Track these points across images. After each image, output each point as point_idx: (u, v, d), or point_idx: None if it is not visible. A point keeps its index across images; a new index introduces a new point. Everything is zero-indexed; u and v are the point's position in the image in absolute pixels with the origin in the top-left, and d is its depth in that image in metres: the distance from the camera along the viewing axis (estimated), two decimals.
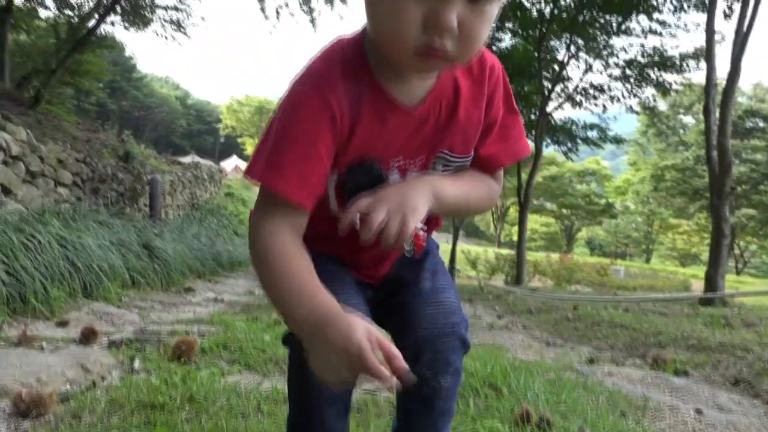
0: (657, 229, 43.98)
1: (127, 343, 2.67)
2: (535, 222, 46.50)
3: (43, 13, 17.23)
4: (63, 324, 3.25)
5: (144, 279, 5.08)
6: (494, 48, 12.60)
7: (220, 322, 3.29)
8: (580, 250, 50.03)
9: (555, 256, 26.51)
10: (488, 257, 21.69)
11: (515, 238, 49.34)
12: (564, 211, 42.67)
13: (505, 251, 31.67)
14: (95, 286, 4.05)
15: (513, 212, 42.97)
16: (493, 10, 0.75)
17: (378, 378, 0.68)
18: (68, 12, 15.91)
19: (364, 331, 0.71)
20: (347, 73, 0.84)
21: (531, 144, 14.92)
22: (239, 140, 50.01)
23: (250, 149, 51.43)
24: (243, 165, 48.55)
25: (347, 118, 0.84)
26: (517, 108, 0.97)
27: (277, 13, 15.21)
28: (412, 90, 0.86)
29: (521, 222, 12.44)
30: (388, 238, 0.81)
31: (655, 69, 11.48)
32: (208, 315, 4.10)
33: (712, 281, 6.98)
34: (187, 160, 30.94)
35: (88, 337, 2.89)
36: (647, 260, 44.35)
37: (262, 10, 17.74)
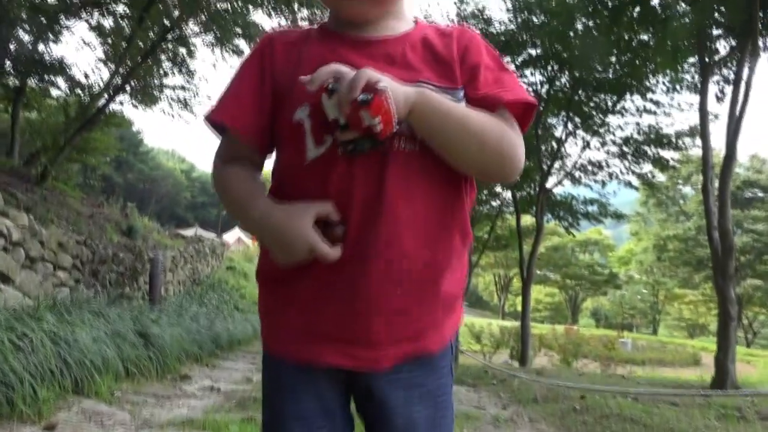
0: (663, 300, 43.49)
1: None
2: (539, 292, 46.13)
3: (54, 92, 17.76)
4: (50, 428, 3.13)
5: (138, 369, 4.95)
6: None
7: (213, 427, 3.16)
8: (586, 321, 49.36)
9: (560, 329, 26.10)
10: (492, 330, 21.32)
11: (519, 308, 48.85)
12: (568, 281, 42.40)
13: (509, 323, 31.22)
14: (87, 381, 3.93)
15: (516, 283, 42.69)
16: None
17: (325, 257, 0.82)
18: (79, 92, 16.38)
19: (308, 220, 0.82)
20: (299, 32, 0.99)
21: (530, 218, 15.05)
22: None
23: None
24: (245, 237, 48.79)
25: (287, 50, 0.95)
26: (511, 70, 0.96)
27: None
28: (372, 32, 0.94)
29: (524, 296, 12.31)
30: (342, 89, 0.77)
31: (652, 146, 11.69)
32: (202, 413, 3.96)
33: (721, 366, 6.80)
34: (190, 232, 31.10)
35: None
36: (654, 331, 43.64)
37: None
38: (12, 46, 14.19)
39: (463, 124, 0.83)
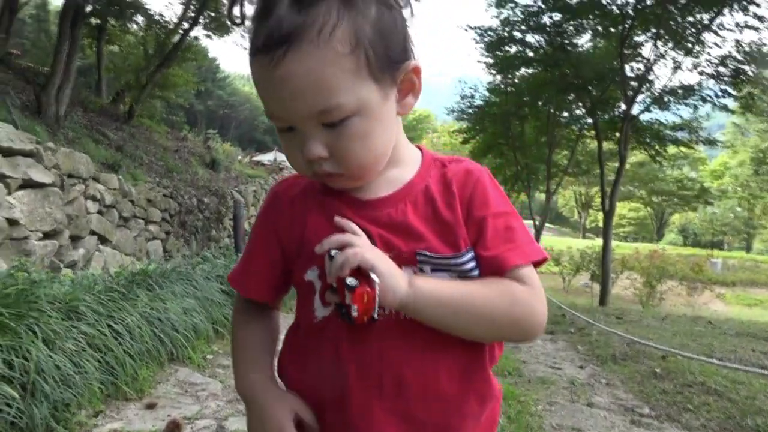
0: (759, 215, 40.93)
1: None
2: (623, 207, 44.47)
3: (133, 28, 18.15)
4: (151, 406, 3.43)
5: (225, 328, 5.27)
6: (571, 50, 12.04)
7: None
8: (672, 237, 47.45)
9: (644, 249, 25.30)
10: (572, 253, 21.03)
11: (600, 224, 47.46)
12: (654, 198, 40.52)
13: (589, 242, 30.59)
14: (181, 350, 4.25)
15: (598, 199, 41.35)
16: (356, 124, 0.74)
17: None
18: (156, 28, 16.64)
19: (282, 417, 0.83)
20: (302, 185, 0.91)
21: (612, 144, 14.19)
22: None
23: None
24: None
25: (292, 210, 0.89)
26: (515, 212, 0.85)
27: None
28: (372, 191, 0.85)
29: (605, 232, 11.88)
30: (333, 264, 0.73)
31: (753, 66, 10.53)
32: None
33: None
34: (269, 156, 31.91)
35: (173, 431, 3.05)
36: (748, 249, 41.45)
37: None
38: None
39: (466, 308, 0.77)
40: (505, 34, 13.23)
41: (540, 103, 15.25)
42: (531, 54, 13.19)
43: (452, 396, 0.82)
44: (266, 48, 0.71)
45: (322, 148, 0.75)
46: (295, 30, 0.69)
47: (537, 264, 0.84)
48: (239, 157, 21.63)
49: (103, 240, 5.92)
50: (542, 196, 20.90)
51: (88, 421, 3.00)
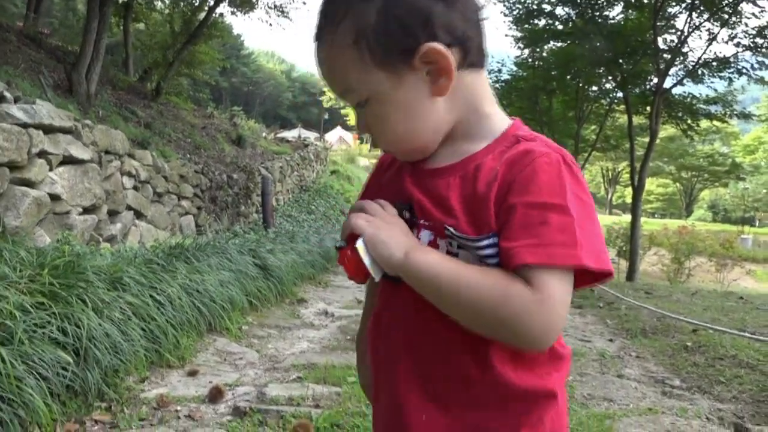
0: None
1: (249, 412, 2.89)
2: (651, 183, 43.73)
3: (158, 4, 18.24)
4: (193, 374, 3.57)
5: (259, 300, 5.40)
6: (602, 23, 11.77)
7: (333, 379, 3.46)
8: (702, 213, 46.57)
9: (672, 225, 24.91)
10: None
11: (627, 200, 46.60)
12: (684, 173, 39.72)
13: (616, 218, 30.24)
14: (218, 320, 4.38)
15: (625, 174, 40.72)
16: (373, 108, 0.81)
17: None
18: (182, 4, 16.69)
19: None
20: None
21: (643, 119, 13.88)
22: (342, 111, 50.95)
23: (353, 120, 52.18)
24: (346, 136, 49.52)
25: (383, 172, 0.96)
26: (570, 208, 0.71)
27: None
28: (436, 161, 0.86)
29: (634, 209, 11.71)
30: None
31: None
32: (320, 349, 4.33)
33: None
34: (293, 133, 32.02)
35: (215, 397, 3.17)
36: None
37: None
38: None
39: (451, 290, 0.74)
40: (534, 6, 13.00)
41: (568, 77, 14.99)
42: (560, 27, 12.95)
43: (459, 376, 0.80)
44: (314, 37, 0.84)
45: (363, 125, 0.85)
46: (322, 23, 0.81)
47: (597, 277, 0.75)
48: (264, 134, 21.78)
49: (138, 215, 6.07)
50: None
51: (135, 386, 3.13)
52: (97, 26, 10.51)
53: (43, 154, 4.49)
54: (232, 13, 17.71)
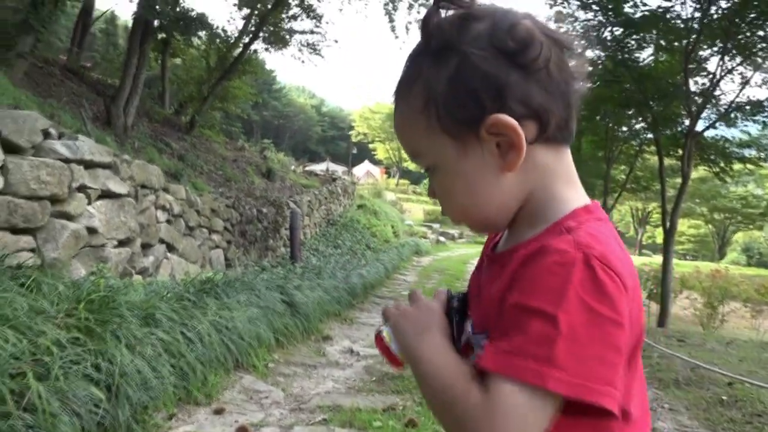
0: None
1: None
2: (682, 225, 42.96)
3: (195, 42, 18.84)
4: (219, 412, 3.57)
5: (286, 337, 5.41)
6: (633, 65, 11.77)
7: (358, 422, 3.42)
8: (735, 256, 45.42)
9: (705, 267, 24.33)
10: None
11: (657, 240, 45.65)
12: (716, 215, 38.93)
13: (646, 259, 29.64)
14: (245, 357, 4.39)
15: (655, 215, 40.08)
16: (439, 176, 0.78)
17: None
18: (218, 41, 17.22)
19: None
20: None
21: (674, 161, 13.80)
22: (371, 146, 51.51)
23: (381, 154, 52.90)
24: (374, 170, 49.93)
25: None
26: (559, 320, 0.62)
27: (407, 29, 15.43)
28: (505, 244, 0.83)
29: (666, 253, 11.50)
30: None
31: None
32: (345, 390, 4.30)
33: None
34: (322, 167, 32.40)
35: None
36: None
37: (392, 29, 17.98)
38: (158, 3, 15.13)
39: (422, 383, 0.73)
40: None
41: (598, 117, 14.96)
42: (590, 69, 12.98)
43: None
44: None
45: (431, 191, 0.82)
46: (399, 84, 0.79)
47: (593, 405, 0.62)
48: (293, 167, 22.11)
49: (170, 248, 6.18)
50: None
51: (163, 424, 3.15)
52: (136, 62, 10.91)
53: (82, 188, 4.63)
54: (266, 49, 18.22)
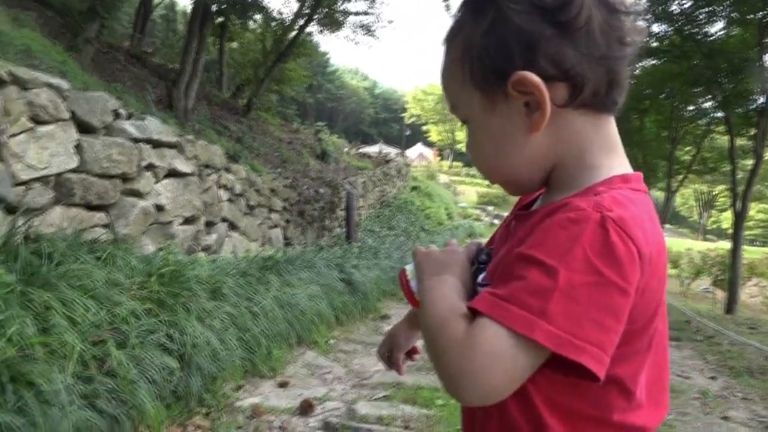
0: None
1: (340, 429, 2.90)
2: (752, 208, 40.89)
3: (251, 25, 19.10)
4: (284, 385, 3.64)
5: (345, 315, 5.47)
6: (702, 40, 11.20)
7: (421, 400, 3.42)
8: None
9: None
10: (692, 256, 19.70)
11: (722, 225, 43.75)
12: None
13: (711, 245, 28.50)
14: (307, 334, 4.46)
15: (722, 198, 38.37)
16: (470, 129, 0.79)
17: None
18: (273, 24, 17.40)
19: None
20: None
21: (745, 140, 12.98)
22: (423, 128, 51.22)
23: (434, 137, 52.55)
24: (427, 152, 49.65)
25: None
26: (559, 273, 0.61)
27: None
28: (534, 205, 0.84)
29: (736, 235, 11.00)
30: None
31: None
32: (406, 368, 4.30)
33: None
34: (374, 149, 32.41)
35: (306, 410, 3.22)
36: None
37: (447, 8, 17.66)
38: None
39: (421, 314, 0.74)
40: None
41: (663, 96, 14.36)
42: (656, 44, 12.43)
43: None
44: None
45: (467, 146, 0.82)
46: (446, 36, 0.79)
47: (584, 361, 0.61)
48: (346, 149, 22.23)
49: (232, 226, 6.32)
50: (660, 195, 19.72)
51: (231, 394, 3.23)
52: (196, 46, 11.14)
53: (150, 167, 4.77)
54: (320, 32, 18.28)
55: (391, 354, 1.08)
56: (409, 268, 0.84)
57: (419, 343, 1.01)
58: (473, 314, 0.66)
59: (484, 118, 0.75)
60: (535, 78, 0.67)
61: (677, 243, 26.49)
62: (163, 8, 26.73)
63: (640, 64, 14.50)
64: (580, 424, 0.70)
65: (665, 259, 0.70)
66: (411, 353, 1.09)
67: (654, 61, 13.55)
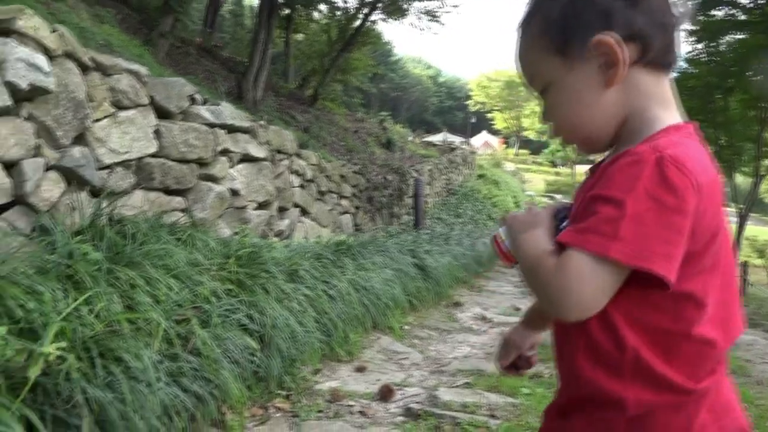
0: None
1: (422, 415, 2.80)
2: None
3: (316, 15, 19.22)
4: (361, 369, 3.57)
5: (419, 300, 5.36)
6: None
7: (505, 388, 3.27)
8: None
9: None
10: None
11: None
12: None
13: None
14: (382, 319, 4.38)
15: None
16: (551, 94, 0.89)
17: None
18: (338, 14, 17.45)
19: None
20: None
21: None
22: (488, 116, 50.27)
23: (499, 124, 51.50)
24: (492, 140, 48.79)
25: None
26: (627, 204, 0.73)
27: None
28: (605, 156, 0.93)
29: None
30: None
31: None
32: (483, 355, 4.16)
33: None
34: (439, 137, 32.14)
35: (386, 395, 3.13)
36: None
37: None
38: None
39: (521, 262, 0.87)
40: None
41: (750, 72, 13.38)
42: (743, 17, 11.60)
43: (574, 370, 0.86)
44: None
45: (544, 115, 0.93)
46: (522, 20, 0.91)
47: (655, 271, 0.72)
48: (410, 138, 22.10)
49: (304, 212, 6.32)
50: (744, 180, 18.53)
51: (310, 378, 3.18)
52: (264, 37, 11.27)
53: (225, 152, 4.80)
54: (384, 20, 18.17)
55: (509, 356, 1.16)
56: (502, 231, 0.93)
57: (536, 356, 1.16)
58: (561, 249, 0.79)
59: (565, 80, 0.86)
60: (611, 38, 0.79)
61: (764, 231, 24.85)
62: (231, 4, 27.36)
63: (725, 38, 13.61)
64: (658, 336, 0.79)
65: (719, 189, 0.80)
66: (524, 367, 1.17)
67: (741, 36, 12.66)
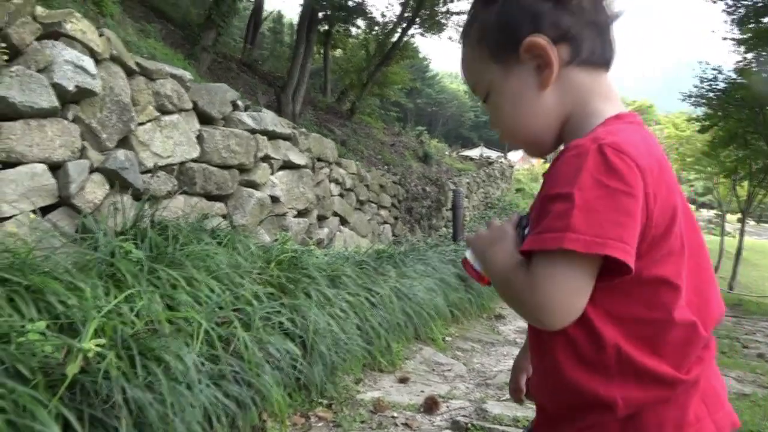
0: None
1: (470, 428, 2.65)
2: None
3: (354, 31, 19.39)
4: (404, 380, 3.43)
5: (461, 312, 5.21)
6: None
7: None
8: None
9: None
10: None
11: None
12: None
13: None
14: (424, 329, 4.24)
15: None
16: (492, 100, 0.90)
17: None
18: (376, 29, 17.55)
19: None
20: None
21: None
22: None
23: None
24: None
25: None
26: (574, 195, 0.72)
27: None
28: None
29: None
30: None
31: None
32: None
33: None
34: (475, 152, 31.93)
35: (431, 407, 2.99)
36: None
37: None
38: None
39: (493, 278, 0.86)
40: (762, 2, 11.37)
41: None
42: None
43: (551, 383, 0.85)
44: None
45: (491, 121, 0.94)
46: (463, 30, 0.93)
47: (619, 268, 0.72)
48: (447, 152, 21.97)
49: (343, 221, 6.26)
50: None
51: (352, 387, 3.07)
52: (303, 51, 11.37)
53: (266, 158, 4.77)
54: (422, 34, 18.20)
55: (519, 381, 1.13)
56: (468, 254, 0.92)
57: None
58: (528, 257, 0.78)
59: (503, 85, 0.87)
60: (542, 40, 0.80)
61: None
62: (271, 21, 27.82)
63: None
64: (637, 327, 0.77)
65: (667, 171, 0.79)
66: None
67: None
